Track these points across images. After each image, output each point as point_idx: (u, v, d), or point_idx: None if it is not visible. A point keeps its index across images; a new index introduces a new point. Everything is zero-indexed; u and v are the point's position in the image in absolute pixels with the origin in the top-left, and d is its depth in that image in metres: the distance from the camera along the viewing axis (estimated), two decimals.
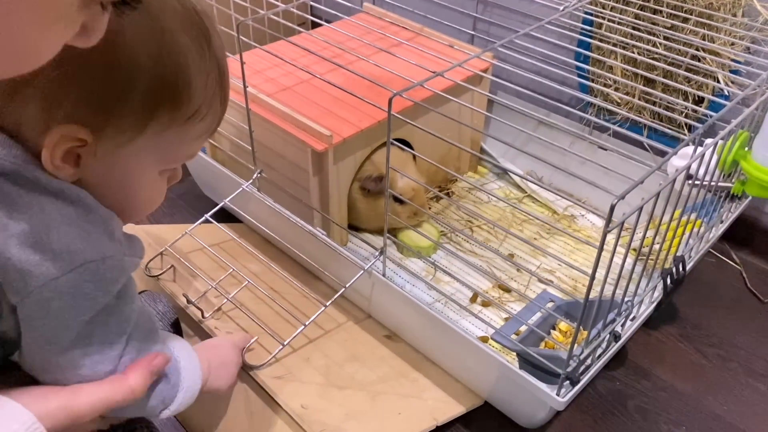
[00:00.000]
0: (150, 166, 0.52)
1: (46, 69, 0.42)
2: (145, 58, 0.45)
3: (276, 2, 1.03)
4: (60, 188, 0.46)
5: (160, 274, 0.91)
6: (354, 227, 1.09)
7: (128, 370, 0.50)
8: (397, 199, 0.98)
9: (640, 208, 0.62)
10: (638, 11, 1.02)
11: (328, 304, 0.86)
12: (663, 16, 1.02)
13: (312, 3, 1.04)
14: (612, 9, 1.04)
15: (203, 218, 0.96)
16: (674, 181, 0.69)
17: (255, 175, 0.99)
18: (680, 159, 0.85)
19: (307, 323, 0.84)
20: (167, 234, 0.99)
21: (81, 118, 0.45)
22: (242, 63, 0.87)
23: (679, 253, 0.84)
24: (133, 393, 0.50)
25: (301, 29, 1.05)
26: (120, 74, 0.45)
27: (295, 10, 0.96)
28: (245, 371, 0.81)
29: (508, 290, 0.99)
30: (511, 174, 1.21)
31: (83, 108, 0.45)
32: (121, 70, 0.45)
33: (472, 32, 1.27)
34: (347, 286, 0.87)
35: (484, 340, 0.90)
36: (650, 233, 0.82)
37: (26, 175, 0.45)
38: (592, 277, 0.61)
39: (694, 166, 0.71)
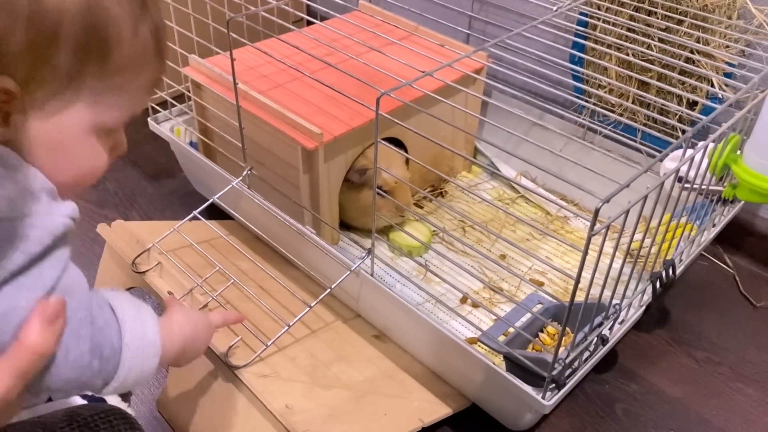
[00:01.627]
0: (85, 125, 0.49)
1: None
2: (72, 3, 0.44)
3: (270, 0, 1.02)
4: None
5: (146, 270, 0.90)
6: (345, 225, 1.08)
7: (21, 331, 0.45)
8: (379, 192, 0.98)
9: (627, 211, 0.61)
10: (633, 12, 1.01)
11: (313, 304, 0.85)
12: (658, 18, 1.01)
13: (308, 2, 1.03)
14: (607, 10, 1.03)
15: (191, 215, 0.96)
16: (663, 183, 0.68)
17: (245, 172, 0.98)
18: (672, 161, 0.85)
19: (291, 323, 0.83)
20: (156, 230, 0.98)
21: (6, 68, 0.44)
22: (232, 59, 0.86)
23: (670, 257, 0.83)
24: (39, 353, 0.45)
25: (294, 27, 1.04)
26: (46, 19, 0.44)
27: (290, 9, 0.95)
28: (230, 370, 0.81)
29: (500, 290, 0.98)
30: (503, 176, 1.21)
31: (7, 56, 0.43)
32: (48, 14, 0.44)
33: (468, 31, 1.27)
34: (333, 286, 0.87)
35: (473, 341, 0.89)
36: (641, 236, 0.81)
37: None
38: (577, 281, 0.61)
39: (685, 168, 0.71)
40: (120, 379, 0.51)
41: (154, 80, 0.52)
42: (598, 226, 0.57)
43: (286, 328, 0.83)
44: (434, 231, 1.09)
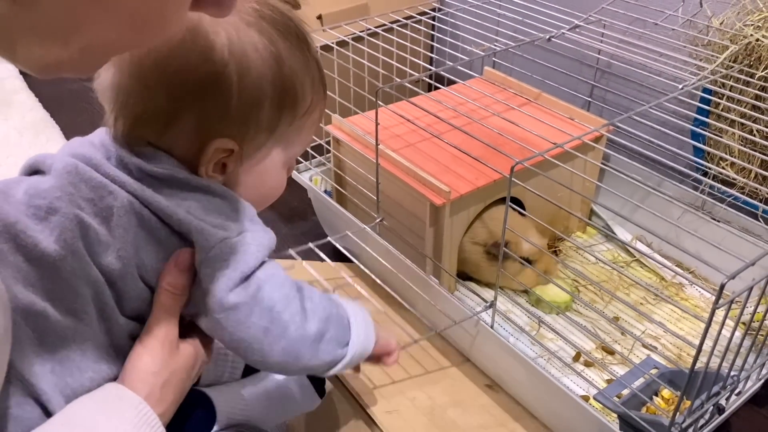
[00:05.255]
0: (279, 162, 0.62)
1: (194, 104, 0.54)
2: (269, 74, 0.56)
3: (402, 66, 1.13)
4: (207, 184, 0.57)
5: None
6: (461, 275, 1.15)
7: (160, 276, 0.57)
8: (526, 261, 1.03)
9: (751, 288, 0.64)
10: (758, 92, 1.04)
11: (439, 329, 0.94)
12: None
13: (435, 69, 1.13)
14: (731, 89, 1.06)
15: (306, 245, 1.07)
16: None
17: (376, 221, 1.08)
18: None
19: (416, 339, 0.92)
20: (286, 265, 1.09)
21: (227, 133, 0.56)
22: (377, 123, 0.97)
23: None
24: (172, 291, 0.56)
25: (420, 91, 1.14)
26: (252, 88, 0.56)
27: (428, 80, 1.06)
28: (355, 399, 0.89)
29: (611, 352, 1.01)
30: (619, 239, 1.24)
31: (228, 125, 0.56)
32: (253, 84, 0.56)
33: (589, 99, 1.32)
34: (457, 322, 0.92)
35: (584, 399, 0.92)
36: (761, 308, 0.82)
37: (178, 176, 0.56)
38: (699, 349, 0.64)
39: None
40: (347, 359, 0.64)
41: (322, 112, 0.65)
42: (722, 300, 0.61)
43: (413, 341, 0.91)
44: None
